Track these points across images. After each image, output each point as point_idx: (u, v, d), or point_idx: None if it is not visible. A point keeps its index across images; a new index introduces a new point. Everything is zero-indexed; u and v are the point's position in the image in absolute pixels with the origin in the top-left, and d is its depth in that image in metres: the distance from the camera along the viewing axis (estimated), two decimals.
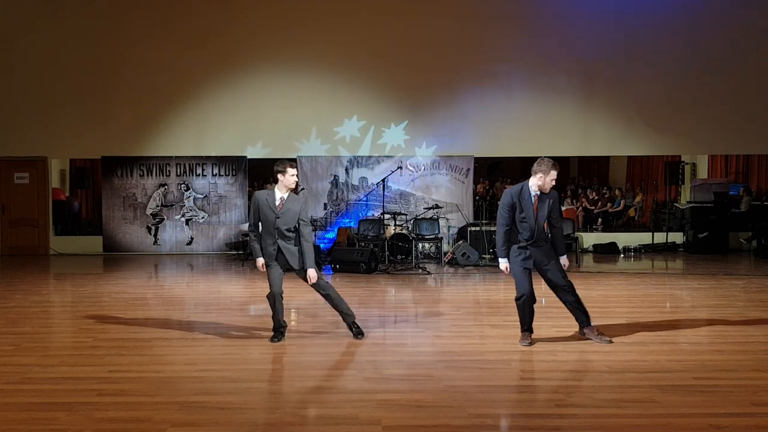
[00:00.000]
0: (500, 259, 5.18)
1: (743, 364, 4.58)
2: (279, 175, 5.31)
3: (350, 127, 12.25)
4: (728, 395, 3.92)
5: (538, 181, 5.13)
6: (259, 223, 5.36)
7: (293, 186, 5.34)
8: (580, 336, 5.31)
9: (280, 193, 5.28)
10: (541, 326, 5.79)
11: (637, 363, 4.59)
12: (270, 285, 5.28)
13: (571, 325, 5.81)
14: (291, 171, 5.34)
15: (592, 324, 5.29)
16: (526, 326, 5.19)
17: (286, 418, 3.61)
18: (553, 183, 5.13)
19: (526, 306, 5.13)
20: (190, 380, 4.30)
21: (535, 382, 4.18)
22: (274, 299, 5.28)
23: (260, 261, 5.34)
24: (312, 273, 5.22)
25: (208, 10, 12.19)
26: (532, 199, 5.11)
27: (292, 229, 5.24)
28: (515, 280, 5.17)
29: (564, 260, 5.30)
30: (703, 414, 3.61)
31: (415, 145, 12.24)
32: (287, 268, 5.31)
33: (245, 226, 11.12)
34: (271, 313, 5.37)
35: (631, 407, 3.72)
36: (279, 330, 5.35)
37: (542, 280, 5.29)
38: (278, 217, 5.21)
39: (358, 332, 5.40)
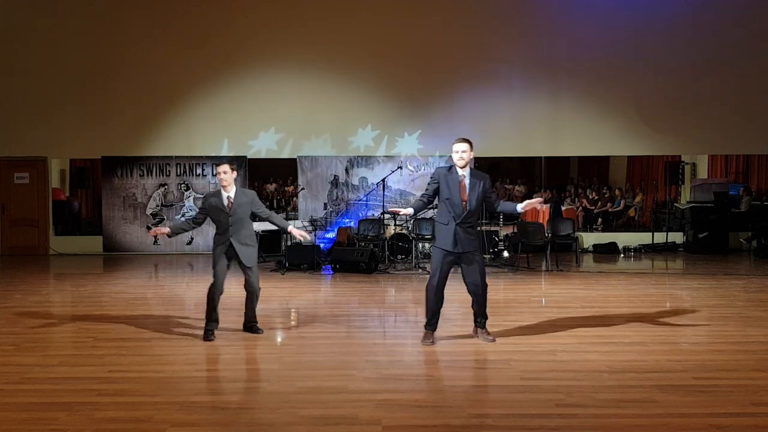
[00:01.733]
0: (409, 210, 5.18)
1: (743, 364, 4.58)
2: (219, 175, 5.32)
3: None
4: (728, 395, 3.93)
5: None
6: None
7: (226, 184, 5.31)
8: (473, 334, 5.34)
9: (225, 193, 5.31)
10: (540, 326, 5.80)
11: (637, 363, 4.59)
12: (214, 281, 5.38)
13: (571, 326, 5.81)
14: (217, 169, 5.35)
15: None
16: (433, 322, 5.13)
17: (286, 418, 3.61)
18: (461, 157, 4.99)
19: (435, 295, 5.08)
20: (190, 380, 4.30)
21: (535, 382, 4.18)
22: (214, 294, 5.37)
23: (164, 230, 5.51)
24: (296, 231, 5.46)
25: (209, 10, 12.19)
26: (459, 179, 5.00)
27: (246, 226, 5.34)
28: (432, 266, 5.13)
29: (523, 205, 5.14)
30: (703, 414, 3.61)
31: (414, 144, 12.23)
32: (230, 259, 5.41)
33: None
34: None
35: (631, 407, 3.72)
36: (212, 324, 5.40)
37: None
38: (230, 216, 5.28)
39: (257, 330, 5.52)
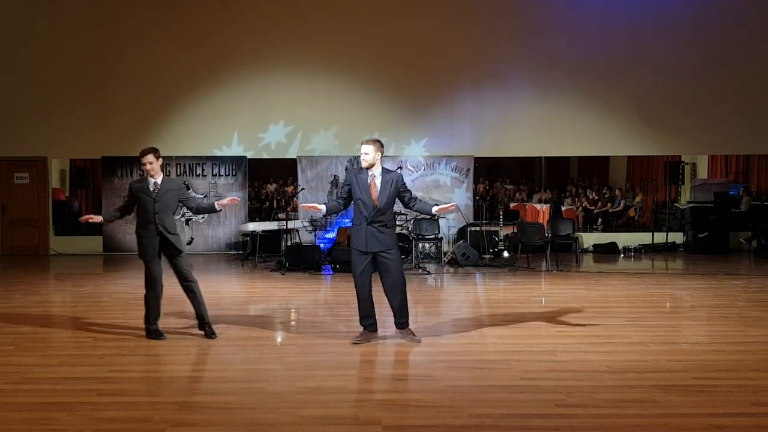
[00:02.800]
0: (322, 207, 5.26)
1: (743, 364, 4.58)
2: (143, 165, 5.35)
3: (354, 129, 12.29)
4: (728, 395, 3.92)
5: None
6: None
7: (154, 173, 5.34)
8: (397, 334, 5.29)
9: (152, 179, 5.34)
10: (540, 326, 5.80)
11: (637, 363, 4.59)
12: (151, 283, 5.34)
13: (571, 326, 5.82)
14: (142, 161, 5.34)
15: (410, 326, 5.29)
16: (369, 322, 5.13)
17: (286, 418, 3.61)
18: (364, 159, 5.09)
19: (359, 294, 5.10)
20: (189, 380, 4.30)
21: (535, 382, 4.18)
22: (156, 298, 5.33)
23: (96, 218, 5.59)
24: (224, 201, 5.42)
25: (209, 10, 12.19)
26: (368, 179, 5.09)
27: (171, 214, 5.35)
28: (353, 268, 5.15)
29: (439, 208, 5.25)
30: (703, 414, 3.61)
31: (414, 144, 12.24)
32: (159, 255, 5.37)
33: (246, 226, 11.13)
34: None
35: (631, 407, 3.72)
36: (157, 332, 5.35)
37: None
38: (156, 201, 5.27)
39: (211, 332, 5.39)
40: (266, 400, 3.91)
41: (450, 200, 12.00)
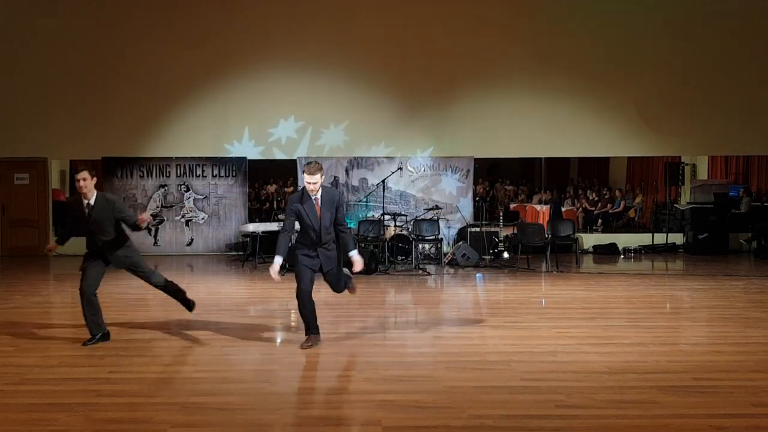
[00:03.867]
0: (276, 258, 5.06)
1: (743, 365, 4.58)
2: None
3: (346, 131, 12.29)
4: (728, 396, 3.92)
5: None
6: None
7: (86, 191, 5.13)
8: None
9: (86, 200, 5.17)
10: (540, 327, 5.80)
11: (637, 364, 4.59)
12: (86, 282, 5.18)
13: (571, 327, 5.82)
14: (76, 177, 5.15)
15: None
16: (311, 326, 5.12)
17: (286, 418, 3.61)
18: (312, 189, 5.02)
19: (301, 304, 5.06)
20: (190, 381, 4.30)
21: (535, 383, 4.18)
22: (89, 299, 5.17)
23: (53, 246, 5.51)
24: (145, 216, 5.33)
25: (208, 10, 12.19)
26: (314, 202, 5.06)
27: (109, 229, 5.22)
28: (296, 276, 5.10)
29: (355, 256, 5.22)
30: (703, 415, 3.61)
31: (415, 145, 12.24)
32: (106, 263, 5.31)
33: (246, 227, 11.13)
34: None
35: (631, 408, 3.72)
36: (95, 333, 5.22)
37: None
38: (89, 223, 5.16)
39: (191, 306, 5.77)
40: (266, 400, 3.91)
41: (450, 200, 12.01)
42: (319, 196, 5.08)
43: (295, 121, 12.28)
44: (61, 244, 5.59)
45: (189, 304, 5.82)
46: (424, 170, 12.13)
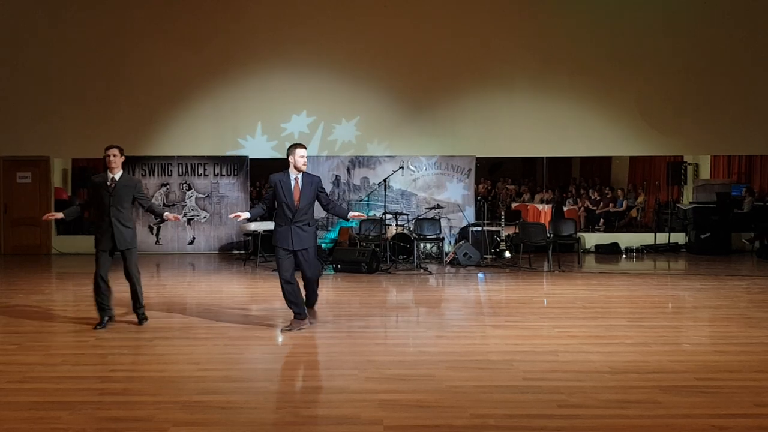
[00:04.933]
0: (245, 214, 5.73)
1: (746, 365, 4.57)
2: (106, 158, 5.78)
3: (350, 129, 12.29)
4: (731, 396, 3.92)
5: (292, 164, 5.56)
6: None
7: (114, 166, 5.75)
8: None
9: (111, 174, 5.77)
10: (542, 327, 5.80)
11: (639, 364, 4.59)
12: (99, 269, 5.81)
13: (573, 326, 5.81)
14: (108, 152, 5.77)
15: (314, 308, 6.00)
16: (300, 310, 5.61)
17: (288, 417, 3.61)
18: (304, 162, 5.54)
19: (284, 289, 5.55)
20: (192, 380, 4.30)
21: (537, 382, 4.18)
22: (99, 284, 5.76)
23: (57, 215, 6.06)
24: (168, 215, 5.97)
25: (211, 10, 12.20)
26: (292, 183, 5.53)
27: (126, 207, 5.79)
28: (277, 266, 5.61)
29: (353, 213, 5.88)
30: (705, 415, 3.61)
31: (416, 145, 12.24)
32: (112, 249, 5.81)
33: (248, 226, 11.13)
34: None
35: (633, 408, 3.72)
36: (102, 316, 5.80)
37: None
38: (111, 195, 5.72)
39: (143, 318, 5.96)
40: (268, 399, 3.91)
41: (451, 199, 12.01)
42: (300, 176, 5.56)
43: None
44: (65, 217, 6.01)
45: (141, 313, 6.01)
46: (425, 169, 12.13)
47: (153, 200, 12.15)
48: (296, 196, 5.48)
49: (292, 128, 12.30)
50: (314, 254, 5.63)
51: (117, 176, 5.76)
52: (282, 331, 5.51)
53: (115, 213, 5.70)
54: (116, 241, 5.74)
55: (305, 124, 12.32)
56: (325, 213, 11.96)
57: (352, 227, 11.70)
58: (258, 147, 12.31)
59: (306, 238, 5.52)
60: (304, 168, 5.57)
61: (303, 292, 5.83)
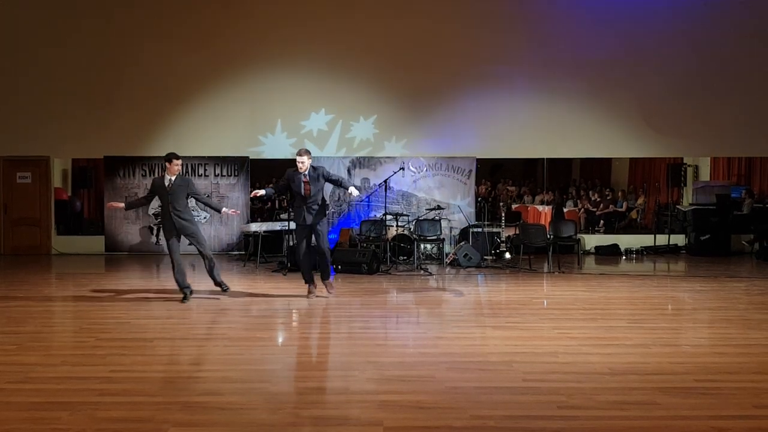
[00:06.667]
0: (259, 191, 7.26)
1: (745, 367, 4.58)
2: (167, 164, 7.11)
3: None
4: (730, 398, 3.92)
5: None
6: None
7: (172, 173, 7.08)
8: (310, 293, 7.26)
9: (169, 176, 7.09)
10: (542, 328, 5.80)
11: (638, 365, 4.59)
12: (172, 255, 7.09)
13: (573, 327, 5.82)
14: (175, 161, 7.14)
15: (331, 279, 7.35)
16: (308, 278, 7.21)
17: (288, 418, 3.61)
18: (299, 167, 6.99)
19: (303, 259, 7.14)
20: (192, 380, 4.30)
21: (537, 383, 4.18)
22: (177, 266, 7.10)
23: (119, 204, 7.54)
24: (225, 211, 7.56)
25: (211, 10, 12.22)
26: (302, 178, 7.00)
27: (182, 203, 7.07)
28: (296, 238, 7.25)
29: (352, 189, 7.00)
30: (705, 416, 3.61)
31: (418, 145, 12.25)
32: (178, 236, 7.11)
33: (248, 227, 11.14)
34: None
35: (632, 409, 3.72)
36: (184, 291, 7.16)
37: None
38: (170, 193, 7.00)
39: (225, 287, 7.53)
40: (268, 400, 3.91)
41: (452, 200, 12.02)
42: (307, 173, 7.03)
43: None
44: (126, 208, 7.59)
45: (223, 285, 7.54)
46: (426, 170, 12.13)
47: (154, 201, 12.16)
48: (305, 189, 6.98)
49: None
50: (324, 231, 7.09)
51: (173, 178, 7.08)
52: (308, 297, 7.21)
53: (174, 207, 7.04)
54: (177, 227, 7.08)
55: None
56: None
57: (352, 228, 11.71)
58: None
59: (315, 215, 7.02)
60: (302, 169, 6.98)
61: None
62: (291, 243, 10.56)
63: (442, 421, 3.54)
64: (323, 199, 7.16)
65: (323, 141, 12.36)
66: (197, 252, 7.38)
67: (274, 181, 12.19)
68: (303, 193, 6.97)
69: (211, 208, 7.72)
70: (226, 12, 12.22)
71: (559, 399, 3.88)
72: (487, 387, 4.13)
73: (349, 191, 6.98)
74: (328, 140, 12.35)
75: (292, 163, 7.20)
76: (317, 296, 7.22)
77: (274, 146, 12.33)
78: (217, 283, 7.53)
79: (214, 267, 7.42)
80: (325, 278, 7.29)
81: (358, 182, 12.16)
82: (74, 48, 12.19)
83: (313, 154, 12.15)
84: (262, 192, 7.19)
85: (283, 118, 12.36)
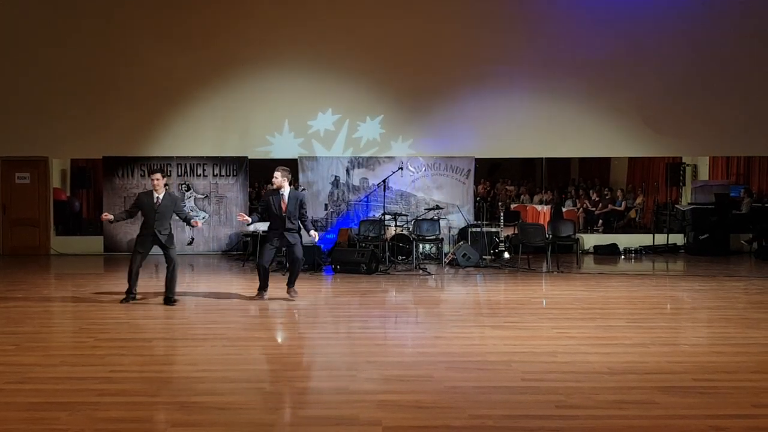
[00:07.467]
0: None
1: (744, 366, 4.58)
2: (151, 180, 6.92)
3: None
4: (728, 397, 3.93)
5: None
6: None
7: (158, 188, 6.87)
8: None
9: (156, 194, 6.88)
10: (541, 327, 5.80)
11: (637, 364, 4.59)
12: (133, 264, 6.91)
13: (572, 327, 5.82)
14: (152, 177, 6.95)
15: (294, 287, 7.25)
16: (264, 285, 7.20)
17: (287, 418, 3.61)
18: (275, 182, 7.00)
19: (261, 269, 7.12)
20: (190, 380, 4.30)
21: (536, 383, 4.18)
22: (135, 272, 6.94)
23: (109, 216, 7.06)
24: (197, 222, 7.19)
25: (210, 11, 12.21)
26: (280, 198, 6.98)
27: (167, 220, 6.89)
28: (261, 250, 7.23)
29: (312, 233, 7.16)
30: (703, 415, 3.62)
31: (419, 145, 12.25)
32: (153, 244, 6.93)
33: (246, 227, 11.14)
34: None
35: (631, 408, 3.73)
36: (130, 294, 6.97)
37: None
38: (156, 212, 6.81)
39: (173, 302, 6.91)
40: (267, 400, 3.91)
41: (450, 200, 12.01)
42: (286, 194, 7.00)
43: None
44: (115, 220, 7.12)
45: (172, 299, 6.93)
46: (425, 169, 12.13)
47: None
48: (283, 207, 6.98)
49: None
50: (300, 246, 7.16)
51: (161, 196, 6.84)
52: (252, 298, 7.23)
53: (158, 226, 6.87)
54: (161, 239, 6.93)
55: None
56: (324, 212, 12.11)
57: (351, 228, 11.71)
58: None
59: (292, 237, 7.04)
60: (275, 186, 7.02)
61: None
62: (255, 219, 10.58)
63: (441, 421, 3.54)
64: (296, 220, 7.11)
65: (330, 141, 12.35)
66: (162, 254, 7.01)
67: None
68: (282, 212, 6.94)
69: (187, 223, 7.24)
70: (226, 12, 12.21)
71: (557, 398, 3.89)
72: (485, 386, 4.13)
73: (310, 234, 7.17)
74: (335, 140, 12.34)
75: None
76: (269, 299, 7.15)
77: (282, 146, 12.32)
78: (169, 294, 6.95)
79: (176, 277, 6.98)
80: (290, 285, 7.24)
81: (356, 182, 12.16)
82: (74, 48, 12.18)
83: (319, 154, 12.59)
84: (249, 219, 7.28)
85: (290, 118, 12.36)
